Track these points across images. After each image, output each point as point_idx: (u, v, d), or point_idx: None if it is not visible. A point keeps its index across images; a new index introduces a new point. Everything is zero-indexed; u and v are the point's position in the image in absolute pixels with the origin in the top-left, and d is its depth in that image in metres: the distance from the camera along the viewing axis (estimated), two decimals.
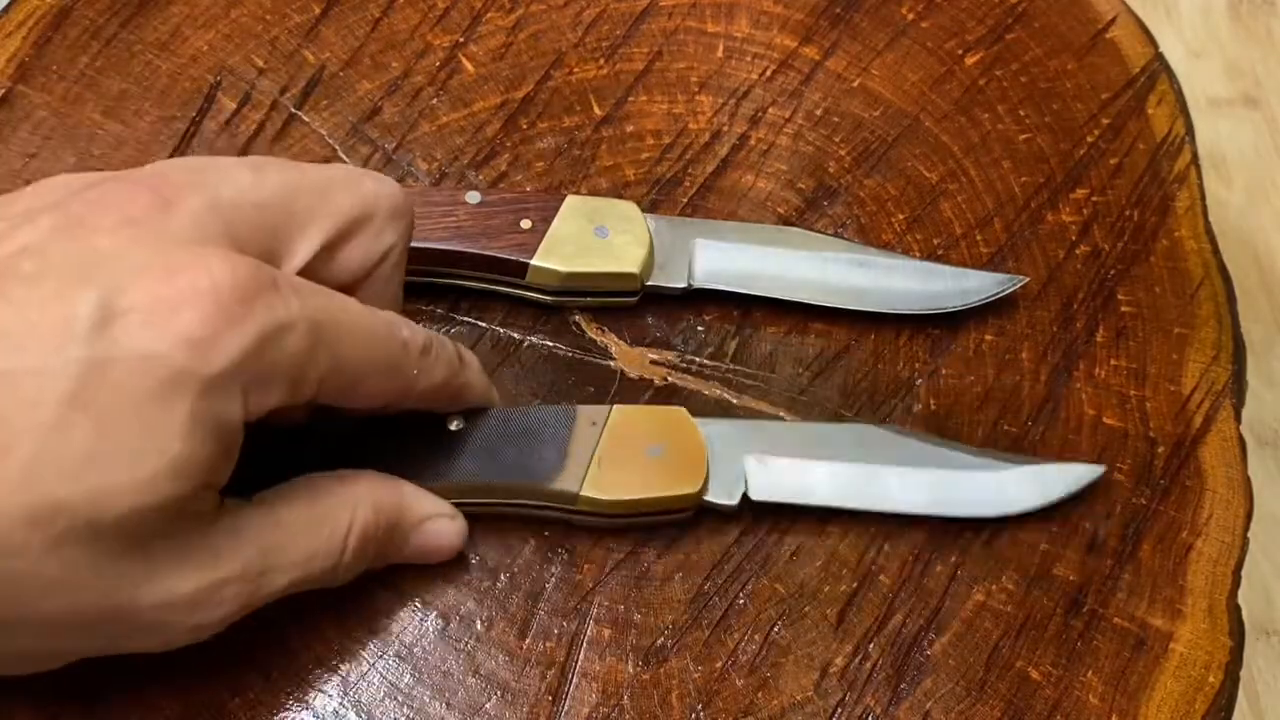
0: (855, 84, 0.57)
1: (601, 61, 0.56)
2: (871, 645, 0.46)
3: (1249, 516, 0.49)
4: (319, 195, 0.39)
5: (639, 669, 0.45)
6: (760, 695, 0.45)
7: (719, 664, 0.45)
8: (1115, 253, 0.54)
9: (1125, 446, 0.50)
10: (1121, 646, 0.46)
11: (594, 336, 0.51)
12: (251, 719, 0.43)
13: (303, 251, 0.39)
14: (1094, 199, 0.55)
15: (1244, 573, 0.48)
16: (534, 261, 0.49)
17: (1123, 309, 0.53)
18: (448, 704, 0.44)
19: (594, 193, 0.53)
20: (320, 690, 0.43)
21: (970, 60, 0.58)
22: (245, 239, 0.37)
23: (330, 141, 0.53)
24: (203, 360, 0.34)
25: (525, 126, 0.54)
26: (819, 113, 0.56)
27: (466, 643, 0.45)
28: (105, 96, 0.53)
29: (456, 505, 0.45)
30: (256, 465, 0.40)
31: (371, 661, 0.44)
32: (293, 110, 0.54)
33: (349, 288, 0.41)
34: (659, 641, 0.45)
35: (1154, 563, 0.48)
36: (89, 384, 0.33)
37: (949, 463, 0.47)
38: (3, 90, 0.53)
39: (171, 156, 0.52)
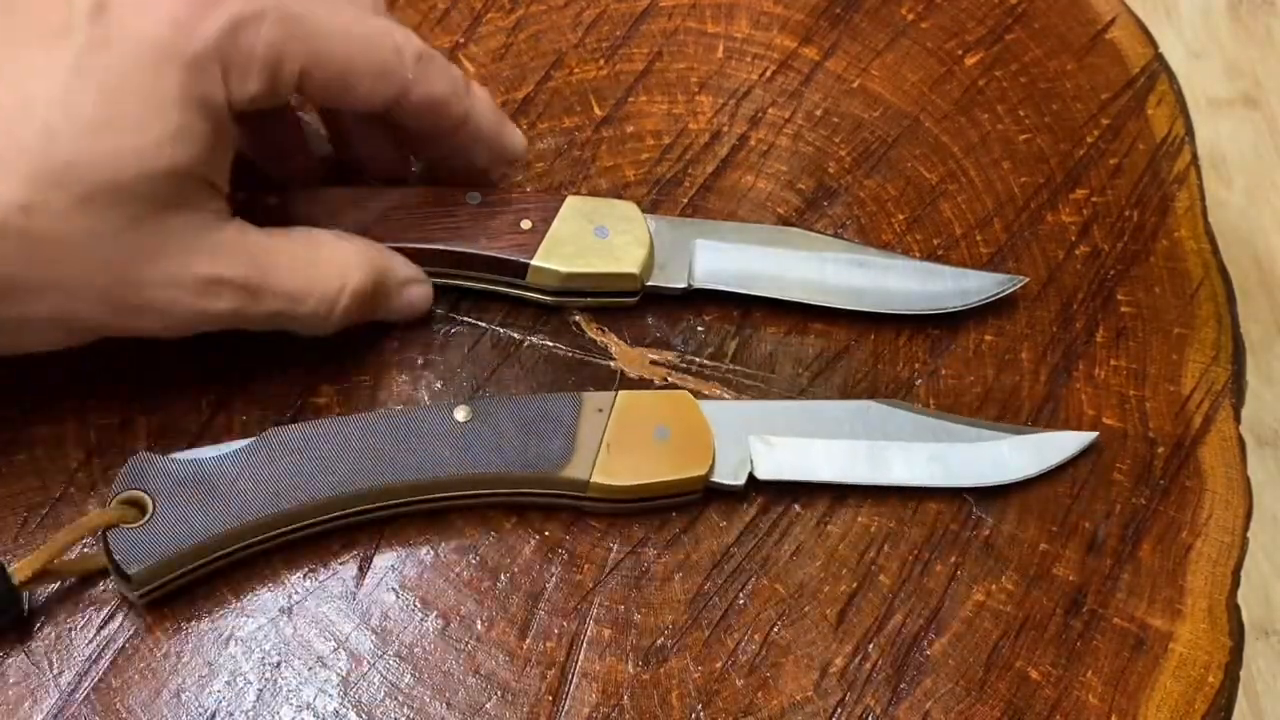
0: (855, 84, 0.57)
1: (601, 62, 0.56)
2: (871, 645, 0.46)
3: (1249, 516, 0.49)
4: None
5: (639, 669, 0.45)
6: (760, 695, 0.45)
7: (719, 664, 0.45)
8: (1115, 253, 0.54)
9: (1125, 447, 0.50)
10: (1121, 646, 0.46)
11: (594, 336, 0.51)
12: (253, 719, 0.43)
13: None
14: (1094, 199, 0.55)
15: (1244, 573, 0.48)
16: (534, 262, 0.49)
17: (1122, 309, 0.53)
18: (448, 704, 0.44)
19: (594, 193, 0.53)
20: (321, 690, 0.44)
21: (970, 61, 0.58)
22: None
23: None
24: (185, 38, 0.39)
25: (525, 127, 0.54)
26: (819, 113, 0.56)
27: (467, 643, 0.45)
28: None
29: (466, 499, 0.46)
30: None
31: (372, 661, 0.44)
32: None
33: None
34: (659, 641, 0.45)
35: (1154, 563, 0.48)
36: (91, 57, 0.38)
37: (948, 435, 0.48)
38: None
39: None
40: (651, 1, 0.58)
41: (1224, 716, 0.46)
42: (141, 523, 0.42)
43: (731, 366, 0.51)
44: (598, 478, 0.45)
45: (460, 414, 0.45)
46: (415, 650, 0.44)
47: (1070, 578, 0.47)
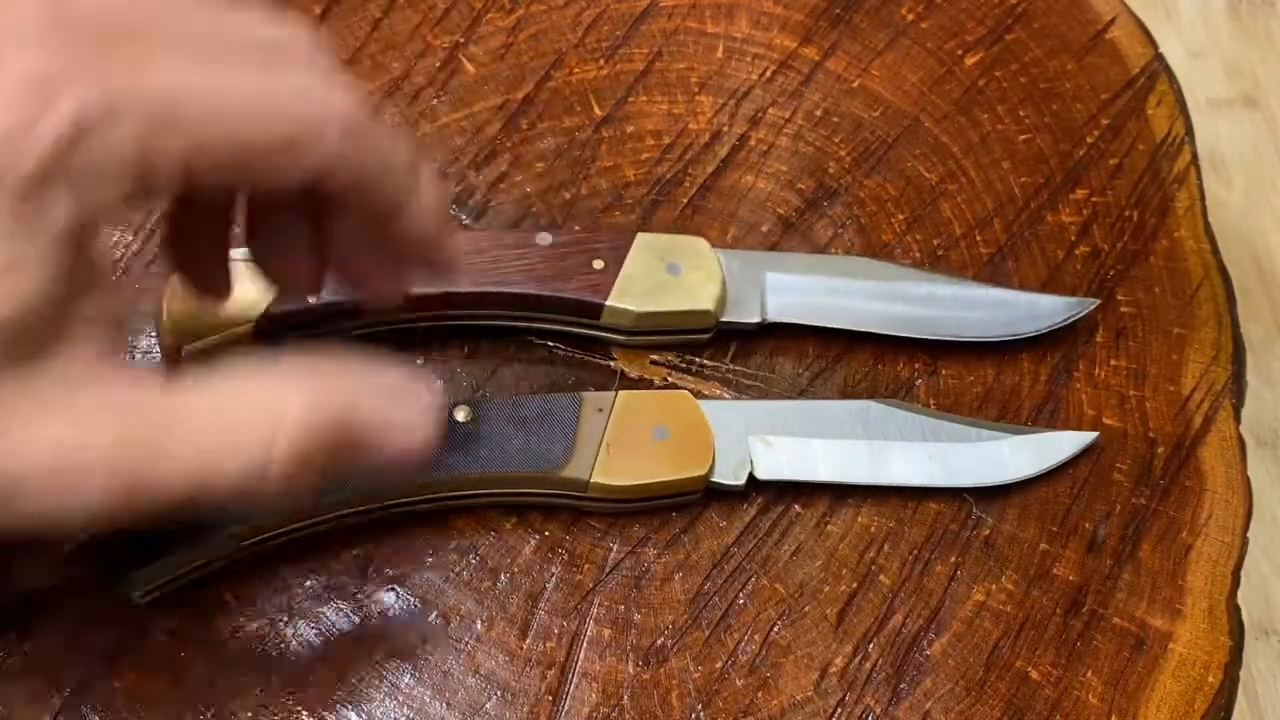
0: (855, 84, 0.57)
1: (601, 62, 0.56)
2: (871, 645, 0.46)
3: (1249, 516, 0.49)
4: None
5: (639, 669, 0.45)
6: (760, 695, 0.45)
7: (719, 664, 0.45)
8: (1115, 253, 0.54)
9: (1125, 447, 0.50)
10: (1121, 646, 0.46)
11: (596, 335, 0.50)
12: None
13: None
14: (1094, 199, 0.55)
15: (1244, 573, 0.48)
16: (609, 302, 0.48)
17: (1122, 309, 0.53)
18: (448, 704, 0.44)
19: (594, 193, 0.53)
20: (321, 690, 0.43)
21: (970, 61, 0.58)
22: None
23: None
24: (12, 156, 0.30)
25: (525, 127, 0.54)
26: (819, 113, 0.56)
27: (467, 643, 0.45)
28: None
29: (465, 499, 0.46)
30: None
31: (371, 661, 0.44)
32: None
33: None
34: (659, 641, 0.45)
35: (1153, 563, 0.48)
36: None
37: (948, 435, 0.48)
38: None
39: None
40: (651, 1, 0.58)
41: (1224, 716, 0.46)
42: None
43: (731, 366, 0.51)
44: (598, 478, 0.45)
45: (460, 414, 0.45)
46: (415, 650, 0.44)
47: (1070, 578, 0.47)
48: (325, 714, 0.43)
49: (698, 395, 0.50)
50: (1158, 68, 0.58)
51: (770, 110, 0.56)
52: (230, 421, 0.33)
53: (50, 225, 0.30)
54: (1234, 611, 0.47)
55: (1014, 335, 0.51)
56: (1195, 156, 0.56)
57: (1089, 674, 0.46)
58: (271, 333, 0.47)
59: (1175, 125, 0.57)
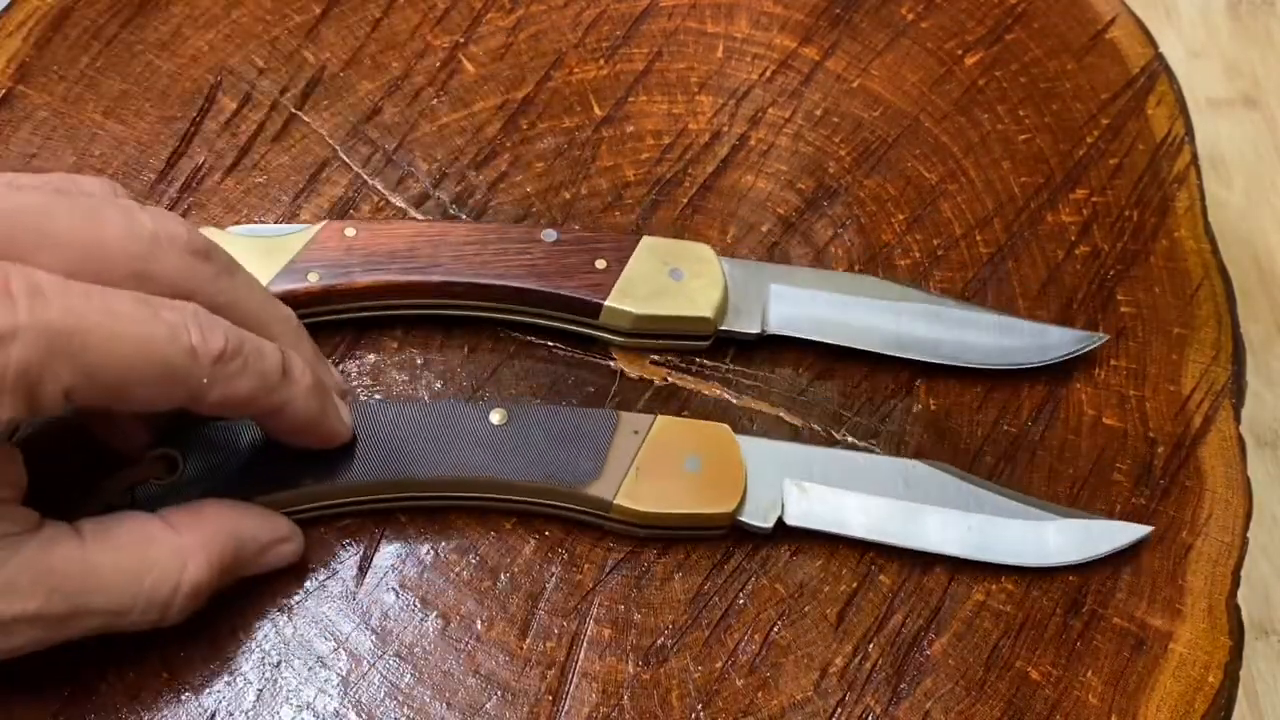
0: (855, 84, 0.57)
1: (601, 62, 0.56)
2: (871, 645, 0.46)
3: (1248, 516, 0.49)
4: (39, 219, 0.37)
5: (639, 669, 0.45)
6: (760, 695, 0.45)
7: (719, 664, 0.45)
8: (1115, 253, 0.54)
9: (1124, 446, 0.50)
10: (1121, 646, 0.46)
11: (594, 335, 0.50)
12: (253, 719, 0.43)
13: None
14: (1094, 199, 0.55)
15: (1244, 573, 0.48)
16: (608, 303, 0.48)
17: (1122, 309, 0.53)
18: (448, 704, 0.44)
19: (594, 193, 0.53)
20: (321, 690, 0.43)
21: (970, 60, 0.58)
22: None
23: (330, 142, 0.53)
24: None
25: (525, 127, 0.54)
26: (819, 113, 0.56)
27: (467, 643, 0.45)
28: (106, 97, 0.53)
29: (489, 502, 0.46)
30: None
31: (372, 661, 0.44)
32: (293, 110, 0.54)
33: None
34: (659, 641, 0.45)
35: (1153, 563, 0.48)
36: None
37: (993, 507, 0.47)
38: (3, 90, 0.53)
39: (173, 157, 0.52)
40: (651, 1, 0.58)
41: (1224, 716, 0.46)
42: (170, 480, 0.43)
43: (731, 367, 0.51)
44: (622, 500, 0.45)
45: (496, 417, 0.45)
46: (415, 650, 0.44)
47: (1070, 578, 0.47)
48: (326, 714, 0.43)
49: (696, 395, 0.50)
50: (1158, 67, 0.58)
51: (770, 110, 0.56)
52: (140, 578, 0.39)
53: None
54: (1234, 611, 0.47)
55: (1017, 365, 0.50)
56: (1195, 156, 0.56)
57: (1089, 674, 0.46)
58: None
59: (1175, 125, 0.57)
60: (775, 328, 0.50)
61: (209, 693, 0.43)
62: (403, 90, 0.55)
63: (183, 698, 0.43)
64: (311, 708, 0.43)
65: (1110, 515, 0.49)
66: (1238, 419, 0.51)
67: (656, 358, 0.50)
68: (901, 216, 0.54)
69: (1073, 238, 0.54)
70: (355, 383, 0.49)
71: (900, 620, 0.46)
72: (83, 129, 0.52)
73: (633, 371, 0.50)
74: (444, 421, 0.45)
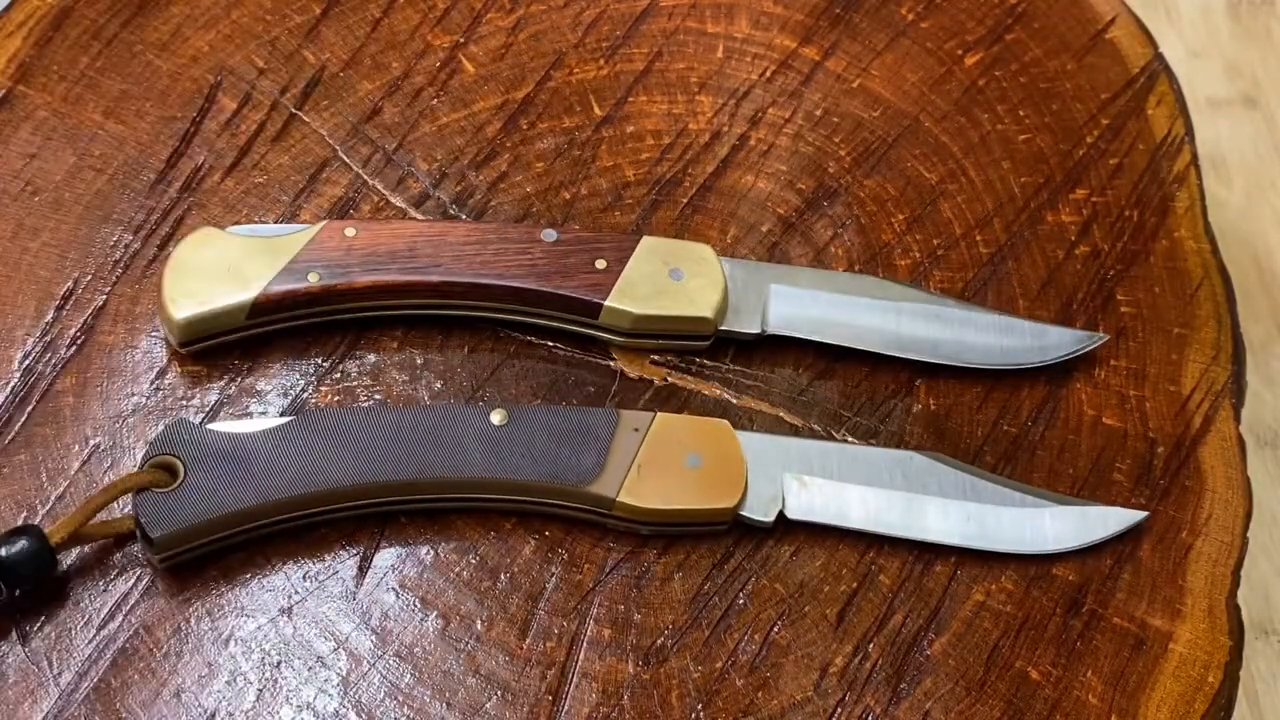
0: (855, 84, 0.57)
1: (601, 62, 0.56)
2: (871, 645, 0.46)
3: (1248, 516, 0.49)
4: None
5: (639, 669, 0.45)
6: (760, 695, 0.45)
7: (719, 664, 0.45)
8: (1115, 253, 0.54)
9: (1125, 446, 0.50)
10: (1121, 646, 0.46)
11: (594, 334, 0.50)
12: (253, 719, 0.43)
13: None
14: (1093, 199, 0.55)
15: (1244, 573, 0.48)
16: (607, 303, 0.48)
17: (1122, 309, 0.53)
18: (448, 704, 0.44)
19: (594, 193, 0.53)
20: (321, 690, 0.44)
21: (970, 60, 0.58)
22: None
23: (330, 142, 0.53)
24: None
25: (525, 127, 0.54)
26: (819, 113, 0.56)
27: (467, 643, 0.45)
28: (106, 97, 0.53)
29: (490, 502, 0.46)
30: None
31: (371, 661, 0.44)
32: (293, 110, 0.54)
33: None
34: (659, 641, 0.45)
35: (1153, 563, 0.48)
36: None
37: (990, 497, 0.47)
38: (3, 90, 0.53)
39: (172, 157, 0.52)
40: (651, 1, 0.58)
41: (1224, 716, 0.46)
42: (171, 488, 0.43)
43: (732, 366, 0.51)
44: (624, 498, 0.45)
45: (496, 417, 0.45)
46: (415, 650, 0.44)
47: (1070, 577, 0.47)
48: (325, 714, 0.43)
49: (696, 395, 0.50)
50: (1158, 67, 0.58)
51: (770, 110, 0.56)
52: None
53: None
54: (1234, 611, 0.47)
55: (1016, 365, 0.50)
56: (1195, 156, 0.56)
57: (1089, 674, 0.46)
58: (269, 311, 0.47)
59: (1175, 125, 0.57)
60: (775, 328, 0.50)
61: (209, 692, 0.43)
62: (403, 90, 0.55)
63: (183, 698, 0.43)
64: (311, 708, 0.43)
65: None
66: (1238, 419, 0.51)
67: (656, 358, 0.50)
68: (901, 216, 0.54)
69: (1073, 238, 0.54)
70: (355, 383, 0.49)
71: (900, 620, 0.46)
72: (83, 129, 0.52)
73: (632, 371, 0.50)
74: (444, 423, 0.45)
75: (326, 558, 0.46)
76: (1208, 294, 0.53)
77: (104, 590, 0.44)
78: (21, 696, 0.43)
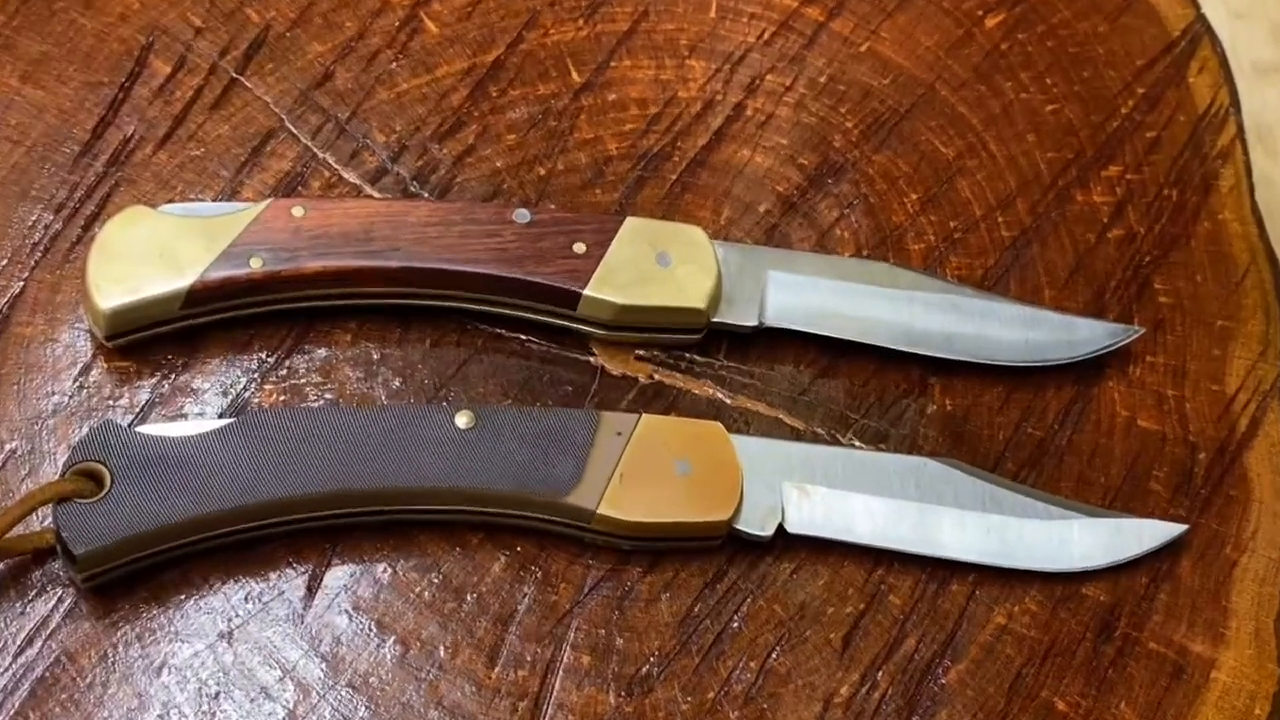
0: (863, 48, 0.57)
1: (580, 22, 0.56)
2: (880, 673, 0.46)
3: None
4: None
5: (621, 700, 0.45)
6: None
7: (710, 695, 0.45)
8: (1152, 237, 0.54)
9: (1162, 452, 0.50)
10: (1158, 675, 0.46)
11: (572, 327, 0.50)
12: None
13: None
14: (1128, 177, 0.55)
15: None
16: (587, 292, 0.48)
17: (1160, 299, 0.53)
18: None
19: (571, 168, 0.53)
20: None
21: (991, 22, 0.58)
22: None
23: (276, 110, 0.53)
24: None
25: (495, 94, 0.54)
26: (823, 80, 0.56)
27: (428, 671, 0.44)
28: (23, 59, 0.53)
29: (454, 514, 0.46)
30: None
31: (322, 693, 0.44)
32: (234, 75, 0.53)
33: None
34: (644, 669, 0.45)
35: (1194, 581, 0.48)
36: None
37: (1013, 508, 0.47)
38: None
39: (99, 126, 0.52)
40: None
41: None
42: (97, 498, 0.43)
43: (725, 363, 0.50)
44: (605, 509, 0.45)
45: (462, 420, 0.45)
46: (371, 680, 0.44)
47: (1101, 598, 0.47)
48: None
49: (686, 394, 0.49)
50: (1199, 30, 0.58)
51: (769, 77, 0.56)
52: None
53: None
54: None
55: (1041, 362, 0.50)
56: (1241, 129, 0.56)
57: (1122, 705, 0.46)
58: (206, 300, 0.47)
59: (1219, 94, 0.57)
60: (774, 320, 0.50)
61: None
62: (357, 53, 0.54)
63: None
64: None
65: None
66: None
67: (641, 353, 0.50)
68: (915, 196, 0.54)
69: (1105, 220, 0.54)
70: (303, 381, 0.49)
71: (913, 645, 0.46)
72: None
73: (615, 368, 0.50)
74: (404, 425, 0.45)
75: (271, 576, 0.45)
76: (1254, 282, 0.53)
77: (20, 613, 0.44)
78: None
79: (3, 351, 0.48)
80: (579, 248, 0.49)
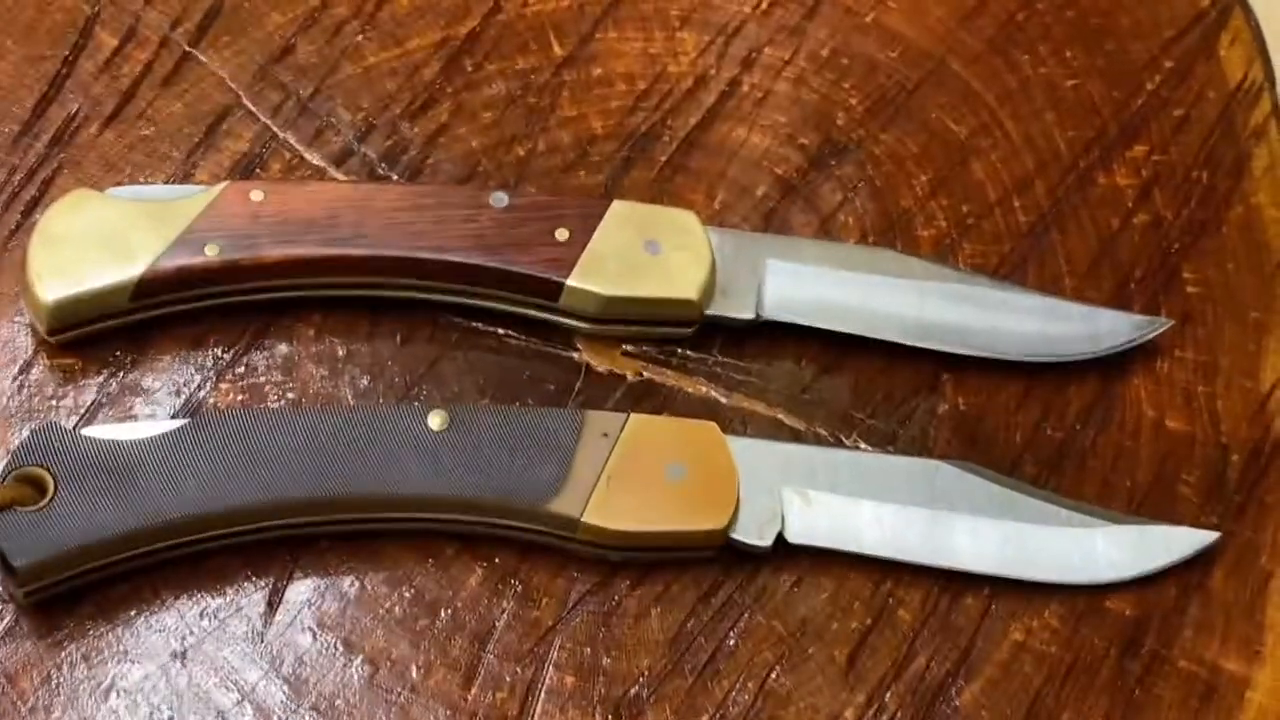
0: (868, 18, 0.57)
1: None
2: (889, 694, 0.46)
3: None
4: None
5: None
6: None
7: (705, 718, 0.45)
8: (1180, 222, 0.54)
9: (1192, 455, 0.50)
10: (1188, 695, 0.47)
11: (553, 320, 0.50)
12: None
13: None
14: (1155, 157, 0.55)
15: None
16: (570, 282, 0.48)
17: (1189, 290, 0.53)
18: None
19: (553, 149, 0.53)
20: None
21: None
22: None
23: (232, 86, 0.53)
24: None
25: (470, 69, 0.54)
26: (825, 53, 0.56)
27: (399, 694, 0.45)
28: None
29: (427, 523, 0.46)
30: None
31: (284, 716, 0.44)
32: (187, 48, 0.53)
33: None
34: (632, 691, 0.45)
35: (1227, 594, 0.48)
36: None
37: (1031, 515, 0.48)
38: None
39: (40, 104, 0.52)
40: None
41: None
42: (38, 506, 0.43)
43: (720, 359, 0.51)
44: (591, 517, 0.45)
45: (435, 420, 0.45)
46: (337, 703, 0.44)
47: (1126, 612, 0.48)
48: None
49: (679, 393, 0.50)
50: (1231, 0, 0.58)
51: (766, 49, 0.56)
52: None
53: None
54: None
55: (1063, 357, 0.51)
56: (1276, 106, 0.57)
57: None
58: (158, 291, 0.47)
59: (1252, 69, 0.57)
60: (772, 312, 0.50)
61: None
62: (321, 24, 0.54)
63: None
64: None
65: None
66: None
67: (630, 348, 0.50)
68: (925, 178, 0.54)
69: (1130, 204, 0.54)
70: (263, 379, 0.49)
71: (924, 664, 0.46)
72: None
73: (601, 365, 0.50)
74: (372, 427, 0.45)
75: (228, 591, 0.45)
76: None
77: None
78: None
79: None
80: (561, 234, 0.49)
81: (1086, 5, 0.58)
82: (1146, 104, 0.56)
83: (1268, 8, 0.78)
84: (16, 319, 0.48)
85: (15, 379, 0.48)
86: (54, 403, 0.47)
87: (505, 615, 0.46)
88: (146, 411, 0.48)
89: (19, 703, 0.43)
